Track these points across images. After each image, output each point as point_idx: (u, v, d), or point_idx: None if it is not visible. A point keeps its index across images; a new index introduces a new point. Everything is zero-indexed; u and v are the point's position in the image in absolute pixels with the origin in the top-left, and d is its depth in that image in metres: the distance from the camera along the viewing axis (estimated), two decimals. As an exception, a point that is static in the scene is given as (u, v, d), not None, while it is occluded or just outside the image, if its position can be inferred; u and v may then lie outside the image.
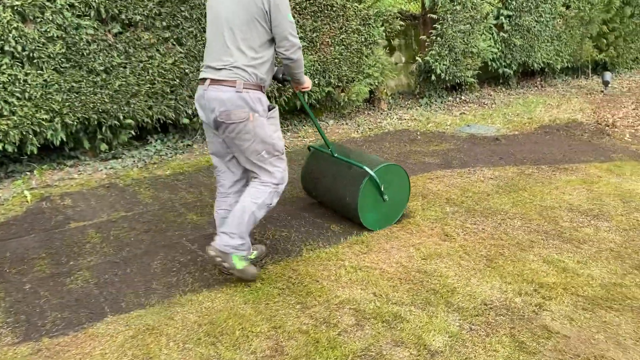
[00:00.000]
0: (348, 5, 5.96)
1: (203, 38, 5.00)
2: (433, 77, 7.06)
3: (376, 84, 6.58)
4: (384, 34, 6.43)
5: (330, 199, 3.84)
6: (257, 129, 2.79)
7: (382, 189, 3.57)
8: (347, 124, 6.45)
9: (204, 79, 2.81)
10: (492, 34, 7.55)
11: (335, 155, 3.70)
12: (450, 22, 6.89)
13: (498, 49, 7.67)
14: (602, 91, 8.23)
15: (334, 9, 5.87)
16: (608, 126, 6.21)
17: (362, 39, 6.20)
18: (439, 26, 6.87)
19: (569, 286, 2.97)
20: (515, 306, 2.80)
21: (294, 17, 5.44)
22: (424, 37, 7.07)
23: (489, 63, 7.73)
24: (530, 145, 5.61)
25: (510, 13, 7.65)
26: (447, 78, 7.14)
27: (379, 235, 3.59)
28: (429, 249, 3.39)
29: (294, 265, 3.19)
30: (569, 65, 8.96)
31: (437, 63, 6.97)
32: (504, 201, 4.16)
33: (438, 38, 6.92)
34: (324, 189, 3.85)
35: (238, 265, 2.81)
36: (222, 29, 2.75)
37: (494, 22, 7.49)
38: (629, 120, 6.42)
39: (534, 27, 7.92)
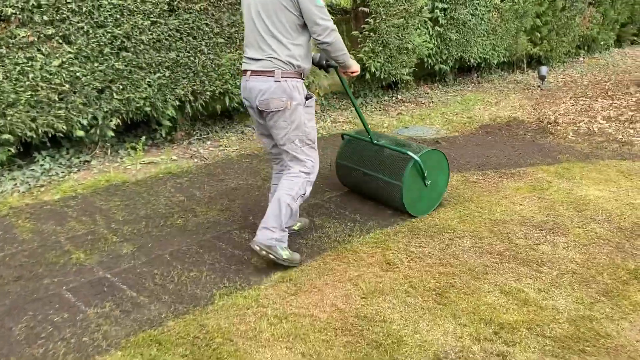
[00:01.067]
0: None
1: (96, 34, 4.23)
2: (367, 76, 6.55)
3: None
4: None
5: (372, 186, 3.77)
6: (293, 117, 2.90)
7: (425, 174, 3.56)
8: (275, 129, 5.82)
9: (246, 71, 2.93)
10: (427, 28, 7.14)
11: (375, 142, 3.69)
12: (384, 16, 6.40)
13: (434, 44, 7.26)
14: (539, 86, 8.03)
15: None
16: (550, 124, 5.92)
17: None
18: (371, 20, 6.37)
19: (533, 324, 2.50)
20: (474, 358, 2.28)
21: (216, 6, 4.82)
22: (356, 32, 6.55)
23: (425, 59, 7.31)
24: (473, 147, 5.19)
25: (445, 6, 7.26)
26: (382, 76, 6.65)
27: (310, 269, 3.00)
28: (369, 284, 2.83)
29: (202, 318, 2.54)
30: (505, 60, 8.72)
31: (371, 60, 6.46)
32: (450, 216, 3.68)
33: (371, 33, 6.41)
34: (363, 177, 3.80)
35: (284, 255, 2.94)
36: (255, 20, 2.84)
37: (429, 15, 7.07)
38: (570, 116, 6.17)
39: (470, 20, 7.59)
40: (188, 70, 4.87)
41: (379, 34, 6.44)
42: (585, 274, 2.95)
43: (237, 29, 5.13)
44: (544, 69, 7.99)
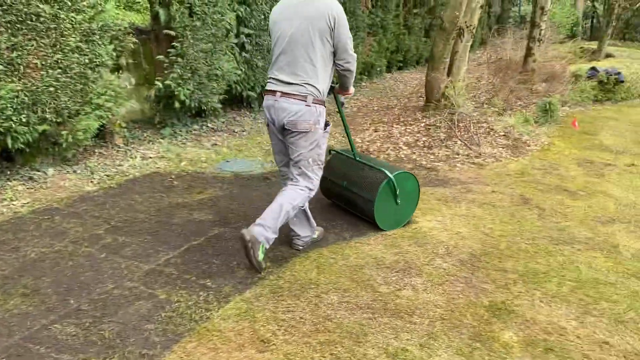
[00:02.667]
0: (62, 16, 4.42)
1: None
2: (177, 104, 5.97)
3: (109, 116, 5.16)
4: (114, 53, 5.05)
5: (350, 197, 4.12)
6: (313, 139, 3.21)
7: (397, 192, 3.93)
8: (75, 171, 4.86)
9: (274, 91, 3.13)
10: (235, 54, 6.86)
11: (358, 159, 4.11)
12: (191, 41, 5.91)
13: (242, 70, 7.02)
14: (338, 111, 8.37)
15: (42, 19, 4.27)
16: (364, 152, 6.15)
17: (86, 60, 4.72)
18: (178, 44, 5.82)
19: (431, 390, 2.39)
20: None
21: None
22: (161, 57, 5.91)
23: (233, 86, 7.02)
24: (302, 182, 5.06)
25: (250, 32, 7.08)
26: (192, 105, 6.14)
27: (172, 365, 2.44)
28: (249, 374, 2.41)
29: None
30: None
31: (180, 88, 5.90)
32: (307, 266, 3.44)
33: (179, 59, 5.86)
34: (343, 190, 4.15)
35: (261, 256, 3.13)
36: (293, 47, 3.06)
37: (235, 41, 6.80)
38: (377, 144, 6.52)
39: (273, 47, 7.54)
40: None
41: (187, 59, 5.93)
42: (452, 318, 2.98)
43: (19, 53, 4.13)
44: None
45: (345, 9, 9.33)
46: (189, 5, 5.83)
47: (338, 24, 3.08)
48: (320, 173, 3.42)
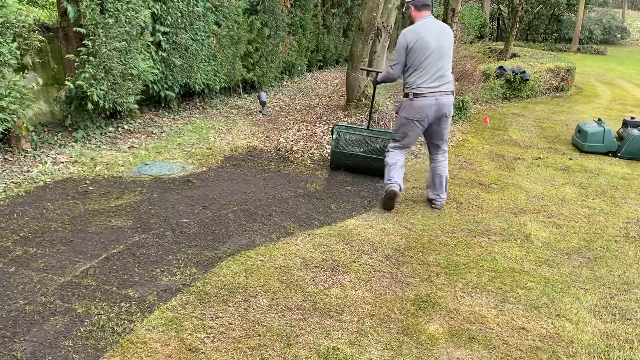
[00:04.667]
0: (-45, 10, 4.05)
1: None
2: (90, 105, 5.65)
3: (14, 119, 4.79)
4: (18, 51, 4.69)
5: (366, 162, 5.46)
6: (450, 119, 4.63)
7: None
8: (-24, 180, 4.48)
9: (432, 93, 4.38)
10: (151, 52, 6.60)
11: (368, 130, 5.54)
12: (104, 39, 5.61)
13: (159, 69, 6.77)
14: (261, 111, 8.32)
15: None
16: (287, 152, 6.14)
17: (-15, 59, 4.36)
18: (89, 43, 5.51)
19: (363, 386, 2.42)
20: None
21: None
22: (71, 55, 5.57)
23: (150, 86, 6.75)
24: (227, 184, 4.96)
25: (167, 29, 6.84)
26: (107, 106, 5.84)
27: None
28: (177, 386, 2.32)
29: None
30: (225, 85, 8.77)
31: (93, 88, 5.59)
32: (234, 270, 3.38)
33: (91, 57, 5.55)
34: (356, 155, 5.48)
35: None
36: (437, 60, 4.38)
37: (151, 39, 6.54)
38: (301, 143, 6.52)
39: (192, 46, 7.33)
40: None
41: (99, 58, 5.63)
42: (380, 313, 3.04)
43: None
44: (263, 95, 8.32)
45: (264, 8, 9.30)
46: (100, 1, 5.53)
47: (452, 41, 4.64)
48: None
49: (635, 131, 6.98)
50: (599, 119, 7.40)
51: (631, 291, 3.48)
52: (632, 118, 7.34)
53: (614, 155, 7.04)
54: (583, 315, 3.16)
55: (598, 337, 2.94)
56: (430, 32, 4.38)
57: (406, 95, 4.48)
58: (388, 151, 4.75)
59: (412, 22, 4.51)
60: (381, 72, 5.11)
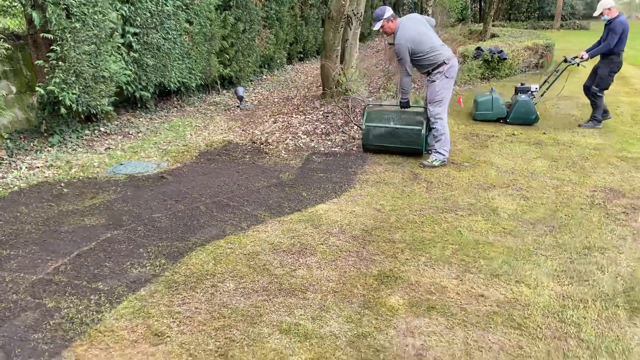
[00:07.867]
0: None
1: None
2: (63, 110, 5.72)
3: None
4: (-15, 60, 4.75)
5: (397, 133, 5.73)
6: None
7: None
8: (-50, 188, 4.55)
9: (449, 57, 5.29)
10: (122, 54, 6.66)
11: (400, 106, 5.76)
12: (72, 43, 5.67)
13: (131, 70, 6.83)
14: (239, 106, 8.38)
15: None
16: (262, 144, 6.22)
17: (-49, 69, 4.41)
18: (58, 48, 5.57)
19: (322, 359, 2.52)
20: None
21: None
22: (40, 61, 5.63)
23: (124, 87, 6.82)
24: (200, 178, 5.05)
25: (137, 30, 6.89)
26: (80, 109, 5.91)
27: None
28: (141, 369, 2.42)
29: None
30: (202, 83, 8.83)
31: (64, 93, 5.65)
32: (203, 259, 3.46)
33: (60, 62, 5.61)
34: (389, 130, 5.75)
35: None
36: (430, 34, 5.35)
37: (121, 41, 6.60)
38: (277, 135, 6.60)
39: (164, 45, 7.39)
40: None
41: (69, 62, 5.68)
42: (343, 290, 3.14)
43: None
44: (240, 90, 8.38)
45: (237, 3, 9.33)
46: (65, 6, 5.58)
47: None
48: None
49: (522, 96, 7.14)
50: (492, 89, 7.59)
51: (591, 255, 3.58)
52: (522, 84, 7.42)
53: (505, 122, 7.34)
54: (542, 280, 3.26)
55: (554, 299, 3.05)
56: (413, 21, 5.32)
57: (440, 64, 5.26)
58: (439, 119, 5.42)
59: (393, 32, 5.29)
60: (403, 90, 5.59)
